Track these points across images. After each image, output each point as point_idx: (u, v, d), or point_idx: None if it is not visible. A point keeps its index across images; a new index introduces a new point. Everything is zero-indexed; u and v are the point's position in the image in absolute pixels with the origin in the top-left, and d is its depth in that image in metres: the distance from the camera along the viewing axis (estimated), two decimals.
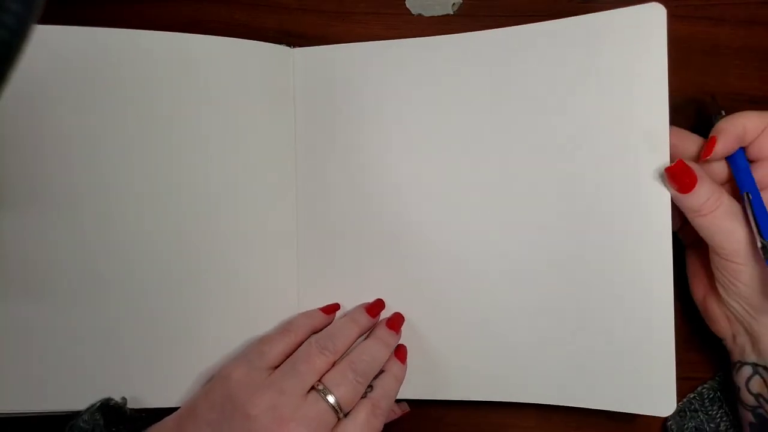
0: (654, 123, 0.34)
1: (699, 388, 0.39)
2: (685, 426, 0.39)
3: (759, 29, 0.40)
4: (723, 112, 0.36)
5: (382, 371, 0.36)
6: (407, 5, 0.42)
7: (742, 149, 0.35)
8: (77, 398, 0.35)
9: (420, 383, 0.38)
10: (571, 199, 0.36)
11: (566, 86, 0.36)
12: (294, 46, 0.40)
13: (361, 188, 0.39)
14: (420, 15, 0.41)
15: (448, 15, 0.41)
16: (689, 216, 0.34)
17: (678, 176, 0.33)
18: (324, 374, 0.34)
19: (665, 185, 0.34)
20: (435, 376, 0.38)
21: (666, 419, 0.39)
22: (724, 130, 0.34)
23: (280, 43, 0.40)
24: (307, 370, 0.33)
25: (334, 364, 0.34)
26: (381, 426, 0.34)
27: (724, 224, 0.33)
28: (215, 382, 0.34)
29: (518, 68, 0.37)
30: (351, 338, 0.36)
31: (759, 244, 0.33)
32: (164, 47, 0.37)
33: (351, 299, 0.39)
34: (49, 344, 0.36)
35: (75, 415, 0.34)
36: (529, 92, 0.37)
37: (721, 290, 0.35)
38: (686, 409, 0.39)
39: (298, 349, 0.35)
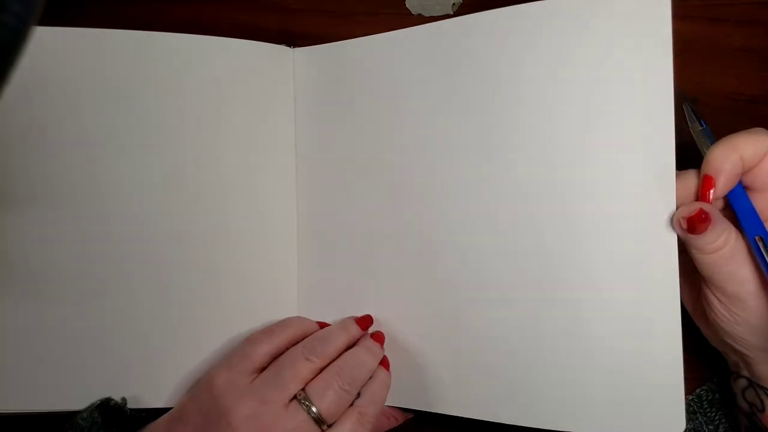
0: (659, 114, 0.32)
1: (697, 391, 0.39)
2: (683, 428, 0.38)
3: (759, 29, 0.40)
4: (702, 123, 0.33)
5: (369, 378, 0.35)
6: (407, 5, 0.42)
7: (741, 183, 0.32)
8: (77, 398, 0.35)
9: (414, 394, 0.37)
10: (574, 208, 0.34)
11: (565, 73, 0.34)
12: (294, 46, 0.40)
13: (361, 187, 0.39)
14: (420, 15, 0.41)
15: (447, 15, 0.41)
16: (691, 252, 0.32)
17: (696, 224, 0.31)
18: (309, 381, 0.33)
19: (671, 226, 0.32)
20: (431, 386, 0.37)
21: None
22: (720, 170, 0.31)
23: (280, 43, 0.40)
24: (291, 377, 0.33)
25: (321, 371, 0.34)
26: None
27: (729, 265, 0.31)
28: (201, 385, 0.34)
29: (520, 52, 0.35)
30: (340, 345, 0.35)
31: None
32: (165, 47, 0.37)
33: (350, 299, 0.39)
34: (49, 344, 0.36)
35: (75, 413, 0.34)
36: (529, 80, 0.35)
37: (712, 322, 0.33)
38: (685, 411, 0.39)
39: (285, 354, 0.34)
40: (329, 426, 0.33)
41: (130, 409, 0.36)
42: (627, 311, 0.33)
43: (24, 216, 0.36)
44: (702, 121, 0.34)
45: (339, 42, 0.39)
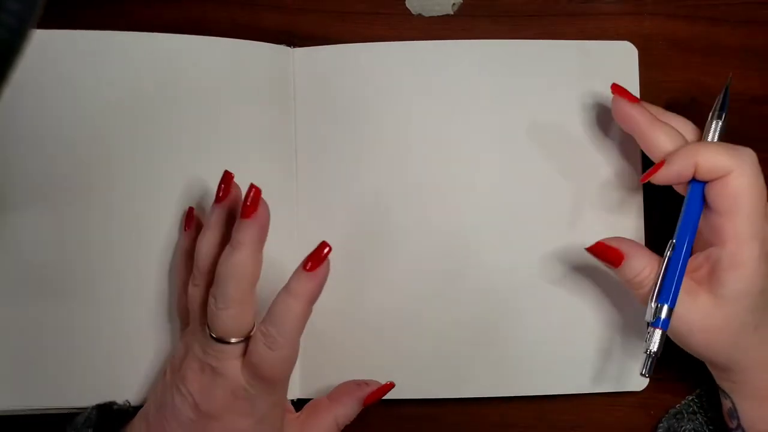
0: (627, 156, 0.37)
1: (698, 391, 0.39)
2: (683, 428, 0.38)
3: (759, 29, 0.40)
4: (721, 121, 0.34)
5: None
6: (407, 5, 0.42)
7: (702, 186, 0.32)
8: (71, 396, 0.36)
9: (410, 382, 0.38)
10: (559, 206, 0.38)
11: (548, 105, 0.38)
12: (294, 46, 0.40)
13: (361, 189, 0.39)
14: (420, 15, 0.41)
15: (447, 15, 0.41)
16: (629, 288, 0.33)
17: (601, 255, 0.33)
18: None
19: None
20: (425, 374, 0.38)
21: (663, 421, 0.39)
22: (674, 160, 0.31)
23: (280, 43, 0.40)
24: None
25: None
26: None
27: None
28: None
29: (512, 81, 0.39)
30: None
31: (651, 309, 0.31)
32: (164, 48, 0.38)
33: (349, 300, 0.39)
34: (50, 343, 0.36)
35: (76, 413, 0.35)
36: (519, 106, 0.38)
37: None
38: (684, 412, 0.39)
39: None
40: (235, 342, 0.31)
41: (133, 408, 0.36)
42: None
43: (24, 217, 0.36)
44: (720, 113, 0.34)
45: (340, 44, 0.39)
